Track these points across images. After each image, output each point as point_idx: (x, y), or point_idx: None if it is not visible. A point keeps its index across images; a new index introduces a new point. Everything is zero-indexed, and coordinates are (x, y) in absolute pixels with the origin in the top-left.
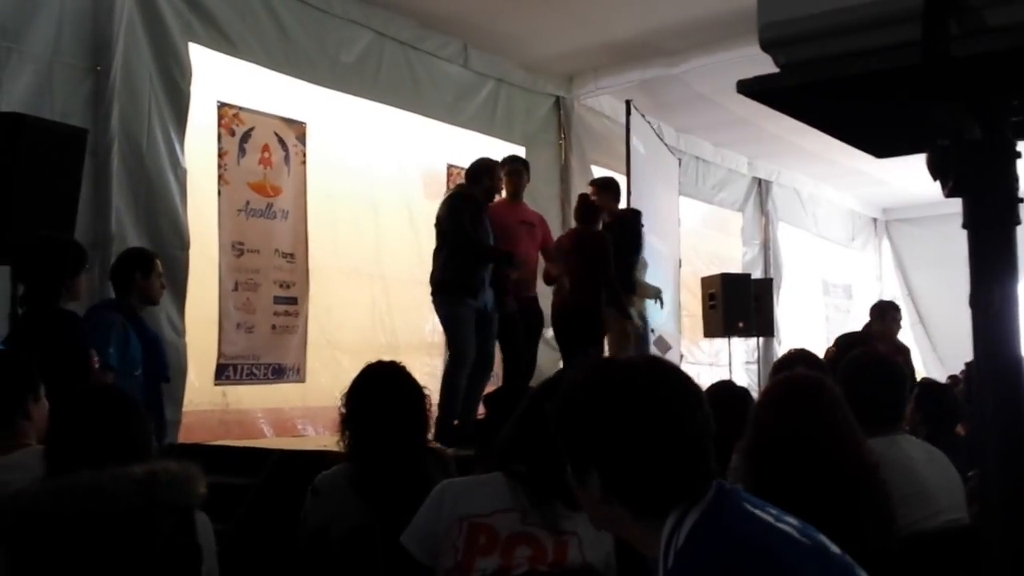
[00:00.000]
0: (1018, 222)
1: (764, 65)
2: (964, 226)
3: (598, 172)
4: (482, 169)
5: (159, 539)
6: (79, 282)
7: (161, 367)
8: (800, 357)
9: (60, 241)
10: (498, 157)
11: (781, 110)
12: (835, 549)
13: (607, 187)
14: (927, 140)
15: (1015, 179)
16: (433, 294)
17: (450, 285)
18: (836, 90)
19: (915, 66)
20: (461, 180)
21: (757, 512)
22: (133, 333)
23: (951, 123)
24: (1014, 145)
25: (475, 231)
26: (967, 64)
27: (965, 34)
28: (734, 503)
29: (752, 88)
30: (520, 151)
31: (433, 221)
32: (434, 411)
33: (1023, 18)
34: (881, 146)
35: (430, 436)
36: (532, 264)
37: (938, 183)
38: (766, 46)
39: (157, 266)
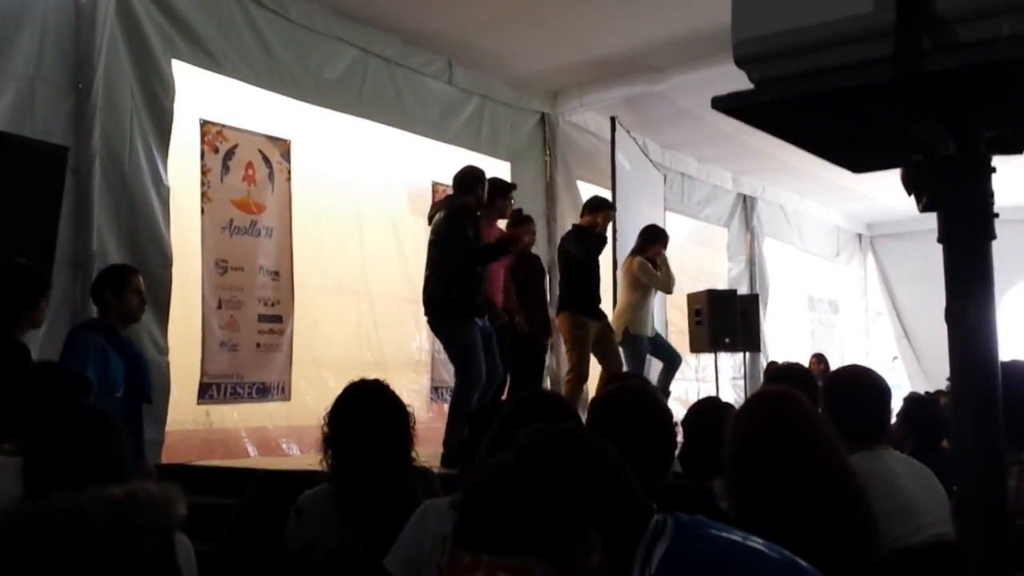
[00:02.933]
0: (993, 237)
1: (747, 81)
2: (939, 241)
3: (583, 188)
4: (474, 178)
5: (139, 562)
6: (40, 310)
7: (144, 387)
8: (791, 371)
9: (17, 268)
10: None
11: (756, 126)
12: (804, 563)
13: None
14: (903, 154)
15: (990, 194)
16: (434, 314)
17: (457, 306)
18: (810, 105)
19: (888, 82)
20: (449, 192)
21: (724, 534)
22: (114, 353)
23: (925, 138)
24: (988, 160)
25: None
26: (940, 79)
27: (938, 49)
28: (700, 528)
29: (727, 104)
30: (505, 167)
31: (419, 237)
32: (418, 429)
33: (995, 33)
34: (857, 161)
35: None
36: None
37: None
38: (740, 62)
39: (132, 282)
